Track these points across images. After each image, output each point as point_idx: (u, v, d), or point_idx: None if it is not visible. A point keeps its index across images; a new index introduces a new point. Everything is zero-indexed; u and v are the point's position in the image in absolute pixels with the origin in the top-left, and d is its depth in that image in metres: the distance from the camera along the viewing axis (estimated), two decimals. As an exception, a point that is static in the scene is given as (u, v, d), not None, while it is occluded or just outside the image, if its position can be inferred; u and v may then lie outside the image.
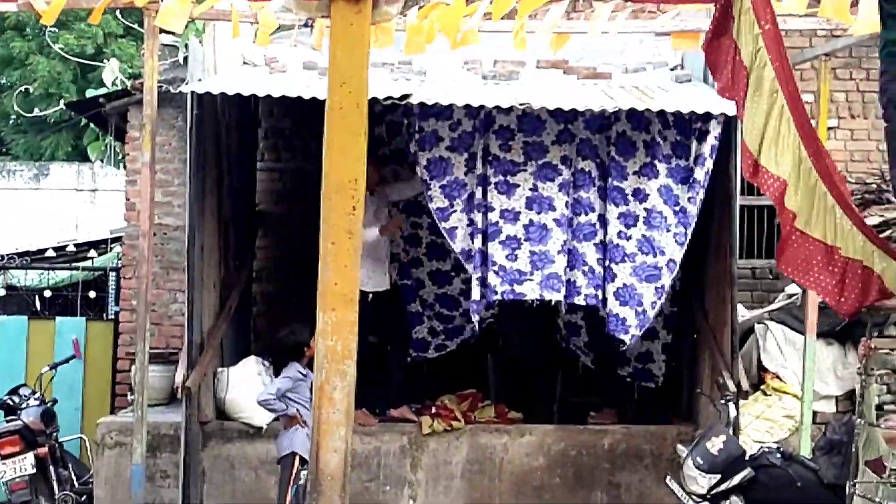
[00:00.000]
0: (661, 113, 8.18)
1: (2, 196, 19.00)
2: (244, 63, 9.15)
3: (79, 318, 12.46)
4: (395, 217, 9.35)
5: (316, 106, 6.80)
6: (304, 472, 7.52)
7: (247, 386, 8.69)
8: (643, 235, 8.40)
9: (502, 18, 8.15)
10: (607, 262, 8.39)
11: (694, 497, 7.23)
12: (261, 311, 10.58)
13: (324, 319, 4.66)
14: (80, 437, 10.46)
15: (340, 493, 4.92)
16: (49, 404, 9.67)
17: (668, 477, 7.54)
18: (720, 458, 7.20)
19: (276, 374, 8.24)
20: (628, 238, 8.41)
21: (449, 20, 7.91)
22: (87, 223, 18.16)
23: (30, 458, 9.18)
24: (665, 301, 8.77)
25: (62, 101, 16.32)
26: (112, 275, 12.90)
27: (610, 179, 8.44)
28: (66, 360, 10.25)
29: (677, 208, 8.43)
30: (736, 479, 7.18)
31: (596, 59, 9.40)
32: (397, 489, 8.72)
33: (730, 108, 8.14)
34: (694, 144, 8.42)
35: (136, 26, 13.17)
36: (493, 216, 8.47)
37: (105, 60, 14.82)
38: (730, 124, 8.38)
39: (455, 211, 8.47)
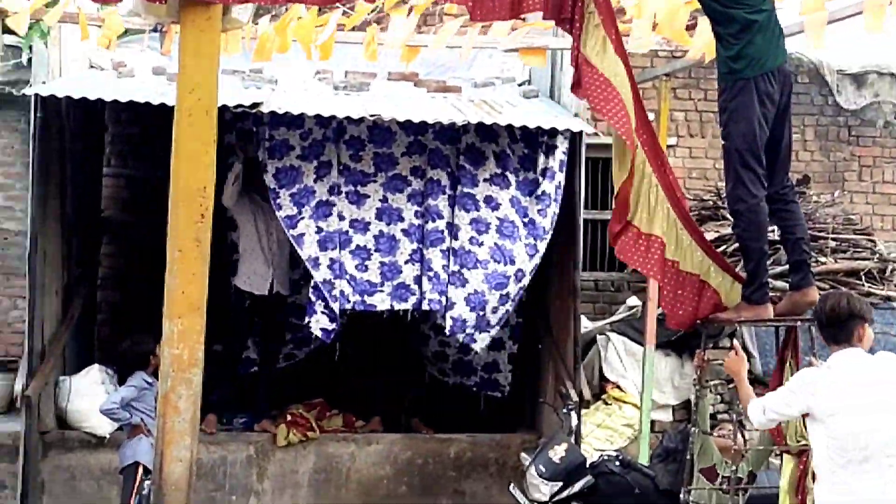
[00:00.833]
0: (510, 127, 8.34)
1: None
2: (91, 66, 8.98)
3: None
4: None
5: (165, 112, 6.72)
6: (147, 483, 7.39)
7: (90, 395, 8.51)
8: (496, 243, 8.49)
9: (353, 30, 8.22)
10: (458, 268, 8.48)
11: (536, 504, 7.38)
12: (105, 319, 10.36)
13: (170, 327, 4.64)
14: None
15: (185, 502, 4.90)
16: None
17: (512, 484, 7.67)
18: (562, 466, 7.34)
19: (121, 383, 8.09)
20: (480, 244, 8.49)
21: (304, 31, 7.94)
22: (-77, 227, 17.48)
23: None
24: (512, 312, 8.92)
25: None
26: (-51, 280, 12.47)
27: (460, 187, 8.53)
28: None
29: (526, 220, 8.56)
30: (577, 487, 7.33)
31: (445, 72, 9.53)
32: (243, 499, 8.65)
33: (575, 124, 8.38)
34: (541, 158, 8.59)
35: (-23, 26, 12.77)
36: (344, 225, 8.49)
37: (-56, 60, 14.34)
38: (575, 140, 8.60)
39: (303, 218, 8.42)
